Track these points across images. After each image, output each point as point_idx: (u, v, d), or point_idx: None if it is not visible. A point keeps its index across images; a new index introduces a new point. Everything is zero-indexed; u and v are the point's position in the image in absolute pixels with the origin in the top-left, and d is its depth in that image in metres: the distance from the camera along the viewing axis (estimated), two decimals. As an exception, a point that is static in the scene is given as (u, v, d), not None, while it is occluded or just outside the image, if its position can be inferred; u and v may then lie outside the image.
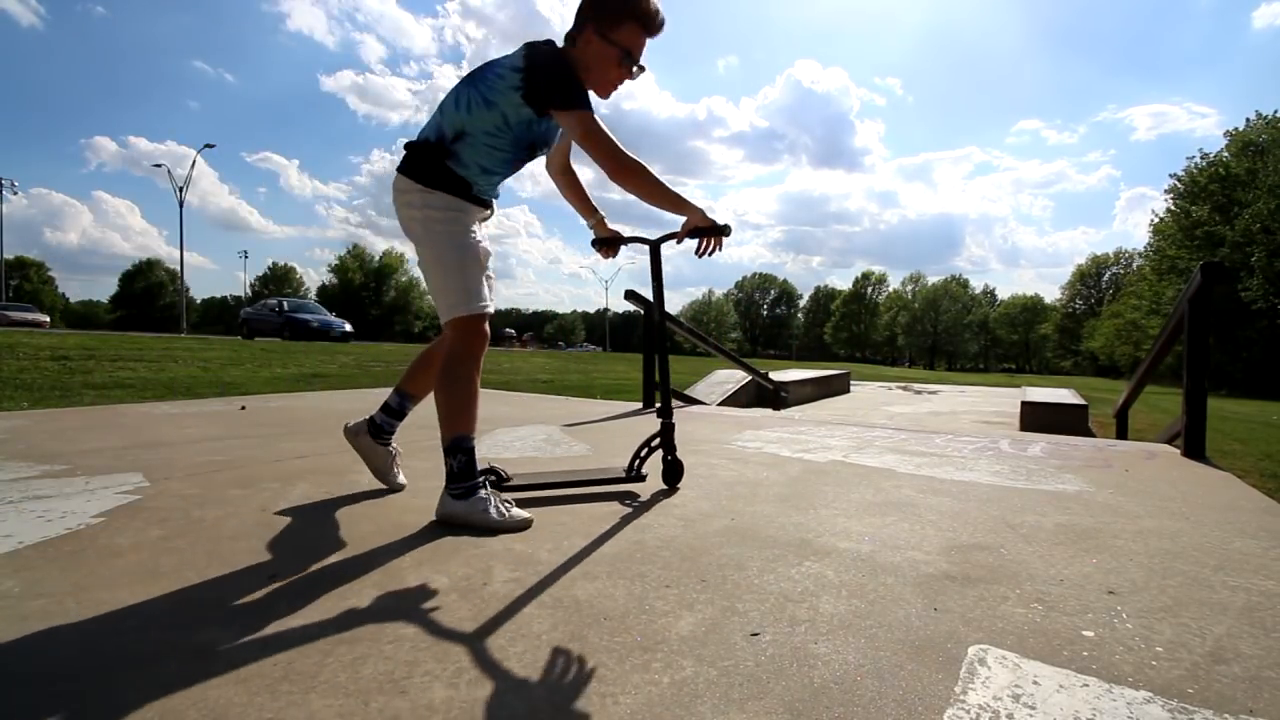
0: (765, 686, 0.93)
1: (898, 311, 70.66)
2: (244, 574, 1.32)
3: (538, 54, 1.63)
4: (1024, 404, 6.82)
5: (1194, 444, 2.85)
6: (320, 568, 1.37)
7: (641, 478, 2.07)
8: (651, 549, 1.51)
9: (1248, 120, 29.89)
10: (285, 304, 19.05)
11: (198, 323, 60.94)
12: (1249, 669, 1.00)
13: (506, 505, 1.68)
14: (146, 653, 1.00)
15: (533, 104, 1.62)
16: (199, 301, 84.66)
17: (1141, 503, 2.02)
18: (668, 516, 1.79)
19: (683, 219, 1.81)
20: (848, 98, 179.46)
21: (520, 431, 3.31)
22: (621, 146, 1.65)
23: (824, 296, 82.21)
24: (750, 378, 7.33)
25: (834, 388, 10.84)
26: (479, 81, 1.64)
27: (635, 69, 1.74)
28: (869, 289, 76.22)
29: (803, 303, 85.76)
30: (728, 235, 1.81)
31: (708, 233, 1.81)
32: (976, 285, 75.58)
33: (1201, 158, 31.00)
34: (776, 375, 8.51)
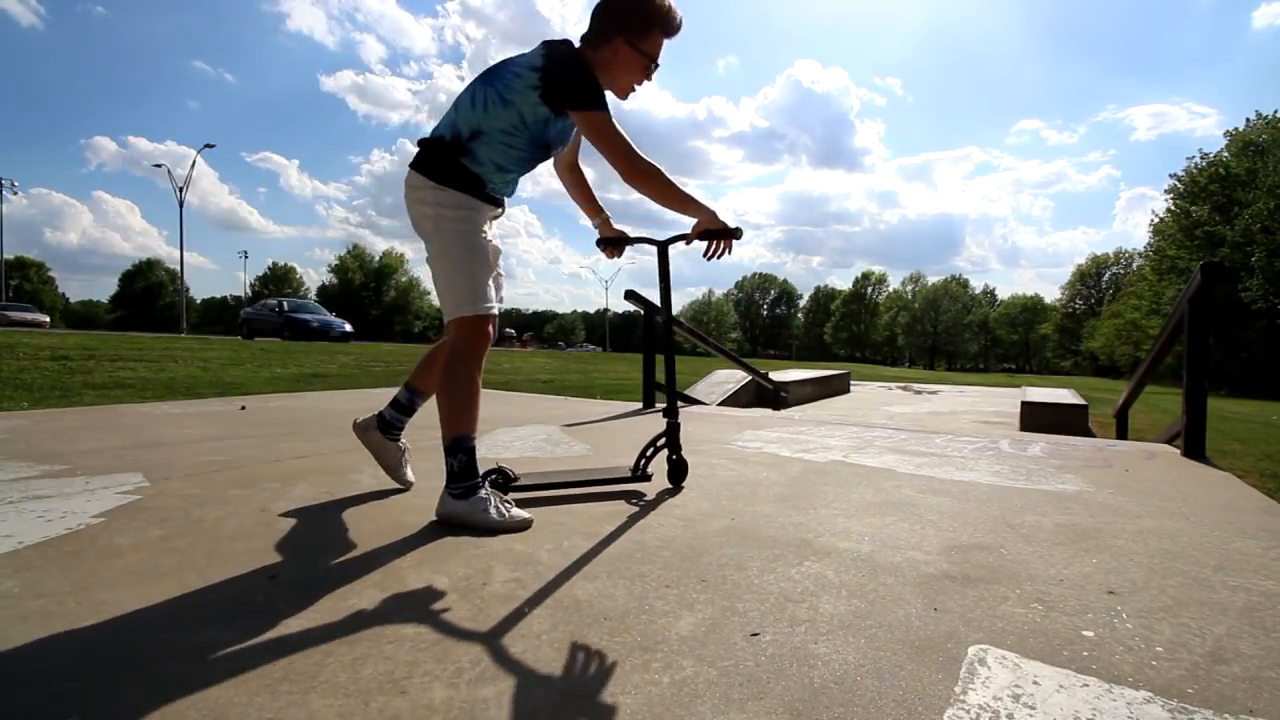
0: (765, 686, 0.93)
1: (898, 311, 70.71)
2: (244, 574, 1.32)
3: (556, 54, 1.63)
4: (1024, 404, 6.83)
5: (1194, 444, 2.85)
6: (320, 568, 1.37)
7: (647, 477, 2.08)
8: (651, 549, 1.51)
9: (1248, 120, 29.98)
10: (285, 304, 19.06)
11: (198, 323, 60.99)
12: (1249, 669, 1.00)
13: (506, 505, 1.68)
14: (146, 653, 1.00)
15: (550, 103, 1.63)
16: (199, 302, 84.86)
17: (1141, 503, 2.02)
18: (668, 516, 1.79)
19: (693, 221, 1.82)
20: (848, 98, 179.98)
21: (520, 431, 3.31)
22: (636, 149, 1.65)
23: (824, 296, 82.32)
24: (750, 378, 7.34)
25: (834, 388, 10.85)
26: (495, 80, 1.64)
27: (653, 68, 1.77)
28: (869, 289, 76.30)
29: (803, 303, 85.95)
30: (739, 238, 1.80)
31: (718, 235, 1.81)
32: (976, 285, 75.87)
33: (1201, 158, 31.06)
34: (776, 375, 8.52)
